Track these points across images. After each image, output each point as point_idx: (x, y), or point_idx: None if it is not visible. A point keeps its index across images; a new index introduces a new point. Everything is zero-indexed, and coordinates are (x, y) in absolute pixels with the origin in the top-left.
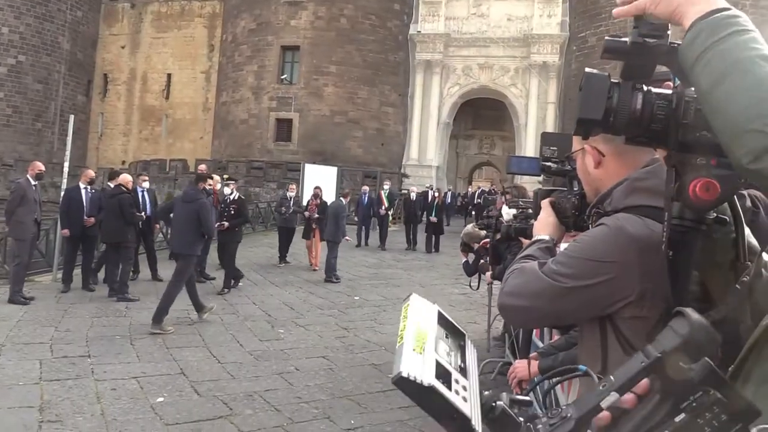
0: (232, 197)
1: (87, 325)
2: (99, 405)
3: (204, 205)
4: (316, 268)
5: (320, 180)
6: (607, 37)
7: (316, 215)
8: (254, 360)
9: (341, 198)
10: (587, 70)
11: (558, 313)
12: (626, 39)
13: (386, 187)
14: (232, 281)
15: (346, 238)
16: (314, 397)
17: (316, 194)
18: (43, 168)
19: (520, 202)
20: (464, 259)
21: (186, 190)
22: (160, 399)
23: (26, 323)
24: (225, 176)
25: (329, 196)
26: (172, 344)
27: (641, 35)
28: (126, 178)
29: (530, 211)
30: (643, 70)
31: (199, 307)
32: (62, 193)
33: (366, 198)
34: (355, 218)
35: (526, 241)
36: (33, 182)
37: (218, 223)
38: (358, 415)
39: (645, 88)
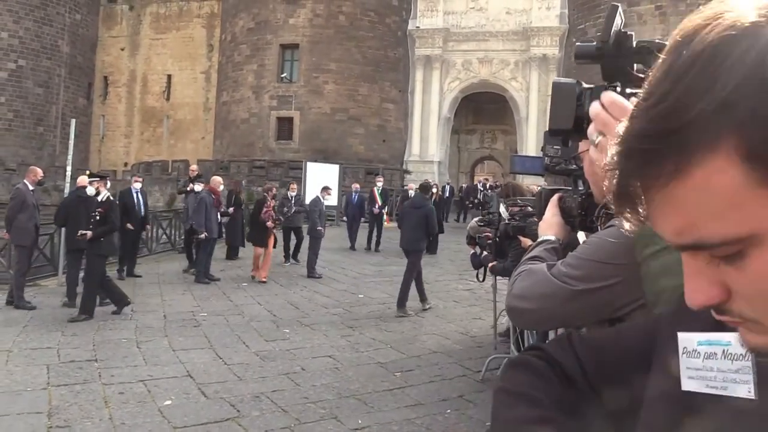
0: (100, 199)
1: (93, 328)
2: (107, 409)
3: (431, 211)
4: (264, 280)
5: (323, 178)
6: (578, 43)
7: (279, 217)
8: (260, 361)
9: (319, 195)
10: (555, 80)
11: (567, 316)
12: (594, 43)
13: (379, 184)
14: (114, 306)
15: (319, 227)
16: (321, 397)
17: (270, 191)
18: (41, 174)
19: (519, 201)
20: (471, 251)
21: (414, 197)
22: (168, 402)
23: (33, 328)
24: (87, 172)
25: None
26: (179, 346)
27: (601, 41)
28: (84, 181)
29: (530, 209)
30: (620, 71)
31: (422, 298)
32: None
33: (356, 196)
34: (344, 218)
35: (524, 240)
36: (31, 187)
37: (80, 233)
38: (365, 414)
39: (618, 89)
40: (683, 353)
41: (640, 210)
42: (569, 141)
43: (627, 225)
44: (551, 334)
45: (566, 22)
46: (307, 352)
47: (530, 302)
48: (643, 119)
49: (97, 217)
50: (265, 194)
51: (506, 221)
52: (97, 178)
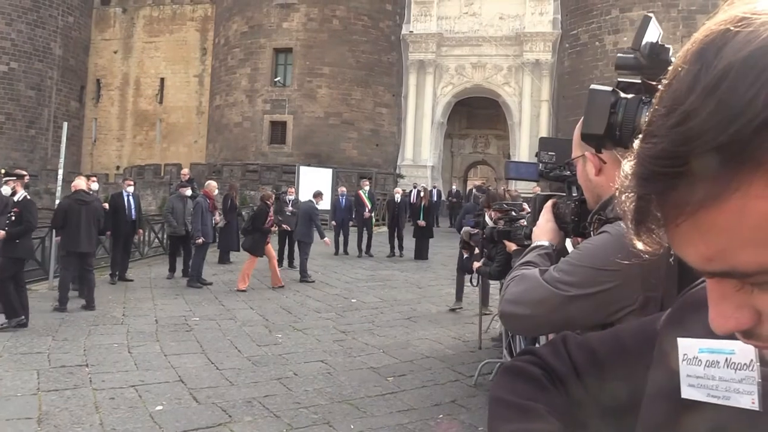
0: (16, 198)
1: (84, 333)
2: (98, 415)
3: None
4: (282, 285)
5: (316, 182)
6: (619, 54)
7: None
8: (253, 366)
9: (312, 199)
10: (592, 87)
11: (559, 322)
12: (631, 54)
13: (366, 187)
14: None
15: (326, 240)
16: (313, 402)
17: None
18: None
19: (505, 205)
20: (465, 256)
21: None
22: (159, 407)
23: (23, 333)
24: (3, 171)
25: (326, 199)
26: (170, 351)
27: (632, 49)
28: (80, 184)
29: (514, 213)
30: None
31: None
32: (56, 201)
33: (344, 200)
34: (333, 222)
35: (509, 244)
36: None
37: None
38: (357, 419)
39: (642, 102)
40: (683, 360)
41: (660, 234)
42: (601, 147)
43: (641, 246)
44: (542, 339)
45: (559, 28)
46: (300, 356)
47: (523, 308)
48: (666, 139)
49: (12, 218)
50: (267, 202)
51: (492, 226)
52: (14, 177)
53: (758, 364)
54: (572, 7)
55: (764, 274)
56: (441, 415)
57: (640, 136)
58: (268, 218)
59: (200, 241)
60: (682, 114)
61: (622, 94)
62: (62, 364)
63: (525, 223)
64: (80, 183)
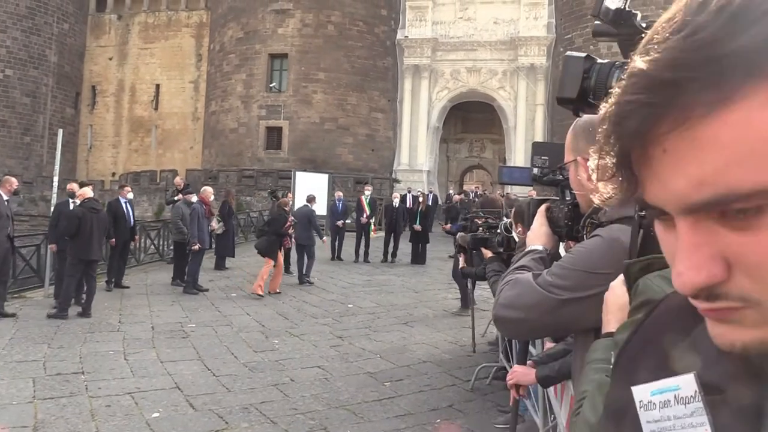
0: None
1: (80, 341)
2: (94, 423)
3: None
4: (279, 291)
5: (312, 187)
6: (595, 22)
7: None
8: (249, 372)
9: (307, 203)
10: (567, 53)
11: (553, 325)
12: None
13: (367, 193)
14: None
15: (323, 240)
16: (310, 408)
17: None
18: (16, 184)
19: (481, 213)
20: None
21: None
22: (156, 414)
23: (18, 341)
24: None
25: (321, 203)
26: (167, 358)
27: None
28: (87, 192)
29: (491, 221)
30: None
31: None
32: (51, 208)
33: (340, 204)
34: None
35: (485, 251)
36: (6, 198)
37: None
38: (354, 425)
39: (614, 66)
40: (641, 407)
41: (635, 174)
42: (577, 112)
43: (609, 192)
44: (537, 343)
45: (554, 32)
46: (297, 362)
47: (516, 312)
48: (675, 49)
49: None
50: (285, 209)
51: (473, 233)
52: None
53: (702, 393)
54: (566, 12)
55: (757, 196)
56: (438, 420)
57: (639, 49)
58: (287, 223)
59: (197, 247)
60: (693, 27)
61: (600, 61)
62: (58, 372)
63: (500, 230)
64: (87, 191)
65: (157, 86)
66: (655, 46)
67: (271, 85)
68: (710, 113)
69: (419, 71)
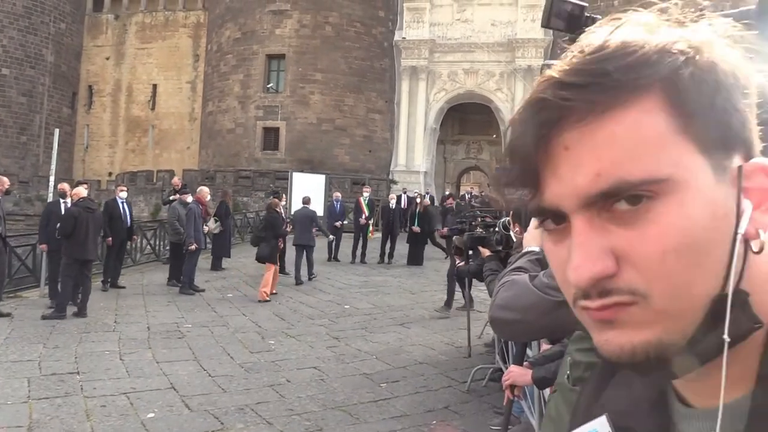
0: None
1: (75, 341)
2: (89, 423)
3: None
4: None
5: (309, 188)
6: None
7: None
8: (245, 372)
9: (306, 205)
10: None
11: (549, 327)
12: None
13: (366, 194)
14: None
15: (331, 238)
16: (306, 409)
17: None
18: (8, 183)
19: (478, 212)
20: (459, 262)
21: None
22: (151, 415)
23: (14, 340)
24: None
25: (318, 204)
26: (162, 358)
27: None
28: (81, 192)
29: (489, 220)
30: None
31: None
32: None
33: (339, 205)
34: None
35: (483, 250)
36: None
37: None
38: (350, 426)
39: None
40: None
41: (537, 177)
42: None
43: (513, 198)
44: (534, 344)
45: (551, 35)
46: (293, 363)
47: (513, 313)
48: (581, 63)
49: None
50: (276, 210)
51: (470, 232)
52: None
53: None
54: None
55: (646, 183)
56: (434, 421)
57: (558, 63)
58: (285, 223)
59: (193, 247)
60: (594, 48)
61: None
62: (53, 372)
63: (498, 228)
64: (81, 191)
65: (154, 86)
66: (565, 63)
67: (268, 86)
68: (607, 112)
69: (417, 72)
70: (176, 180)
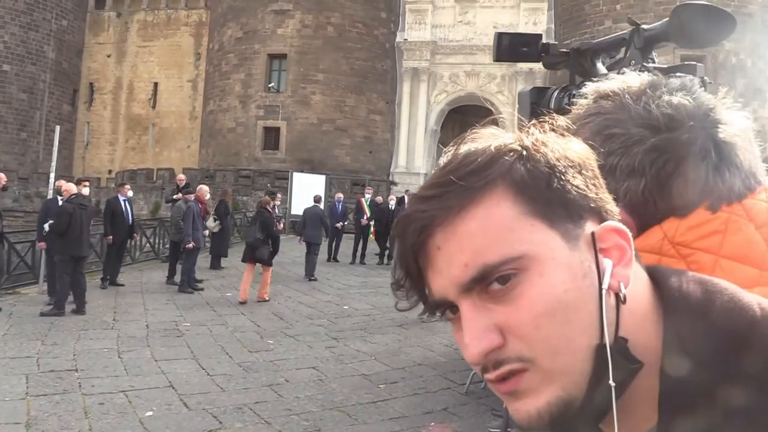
0: None
1: (74, 338)
2: (87, 420)
3: None
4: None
5: (309, 188)
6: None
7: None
8: (244, 372)
9: (316, 204)
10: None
11: None
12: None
13: (368, 195)
14: None
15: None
16: (304, 409)
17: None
18: (5, 179)
19: None
20: None
21: None
22: (149, 413)
23: (12, 337)
24: None
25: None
26: (161, 357)
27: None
28: (72, 188)
29: None
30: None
31: None
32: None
33: (340, 206)
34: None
35: None
36: None
37: None
38: (348, 426)
39: (557, 90)
40: None
41: (422, 277)
42: None
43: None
44: None
45: (553, 38)
46: (291, 363)
47: None
48: (434, 177)
49: None
50: (266, 208)
51: None
52: None
53: None
54: (565, 18)
55: (505, 263)
56: (432, 423)
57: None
58: (279, 224)
59: (191, 245)
60: (447, 163)
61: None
62: (51, 369)
63: None
64: (72, 187)
65: (155, 84)
66: (425, 183)
67: (269, 86)
68: (462, 212)
69: (418, 74)
70: (181, 176)
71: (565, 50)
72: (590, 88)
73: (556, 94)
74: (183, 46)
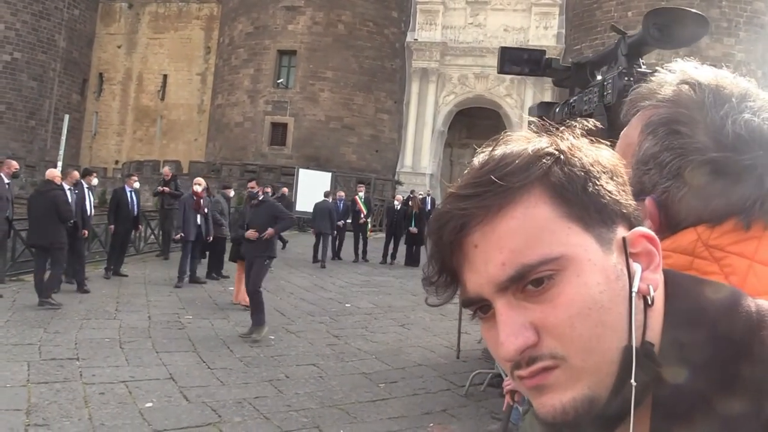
0: None
1: (76, 327)
2: (87, 409)
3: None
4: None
5: (314, 185)
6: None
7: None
8: (244, 366)
9: (326, 198)
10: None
11: None
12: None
13: (361, 193)
14: None
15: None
16: (304, 406)
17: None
18: (16, 166)
19: None
20: None
21: None
22: (149, 404)
23: (14, 324)
24: None
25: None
26: (162, 348)
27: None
28: (54, 173)
29: None
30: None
31: None
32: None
33: (342, 204)
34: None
35: None
36: (6, 180)
37: None
38: (347, 424)
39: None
40: None
41: (456, 275)
42: None
43: (437, 298)
44: None
45: (563, 42)
46: (292, 359)
47: None
48: (471, 176)
49: None
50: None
51: None
52: None
53: None
54: (576, 23)
55: (544, 264)
56: (431, 424)
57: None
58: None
59: (179, 236)
60: (481, 163)
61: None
62: (53, 357)
63: None
64: (53, 172)
65: (165, 76)
66: (462, 178)
67: (278, 81)
68: (501, 211)
69: (427, 74)
70: (167, 170)
71: (567, 65)
72: (680, 66)
73: (558, 109)
74: (193, 39)
